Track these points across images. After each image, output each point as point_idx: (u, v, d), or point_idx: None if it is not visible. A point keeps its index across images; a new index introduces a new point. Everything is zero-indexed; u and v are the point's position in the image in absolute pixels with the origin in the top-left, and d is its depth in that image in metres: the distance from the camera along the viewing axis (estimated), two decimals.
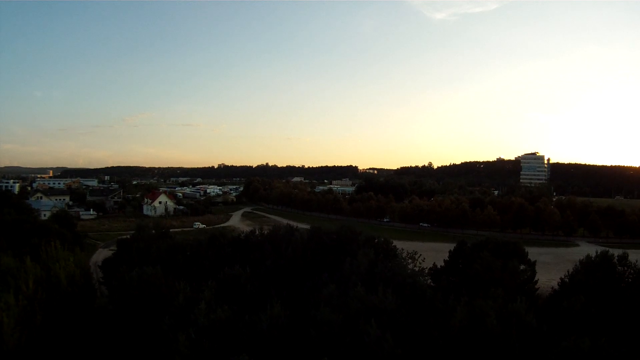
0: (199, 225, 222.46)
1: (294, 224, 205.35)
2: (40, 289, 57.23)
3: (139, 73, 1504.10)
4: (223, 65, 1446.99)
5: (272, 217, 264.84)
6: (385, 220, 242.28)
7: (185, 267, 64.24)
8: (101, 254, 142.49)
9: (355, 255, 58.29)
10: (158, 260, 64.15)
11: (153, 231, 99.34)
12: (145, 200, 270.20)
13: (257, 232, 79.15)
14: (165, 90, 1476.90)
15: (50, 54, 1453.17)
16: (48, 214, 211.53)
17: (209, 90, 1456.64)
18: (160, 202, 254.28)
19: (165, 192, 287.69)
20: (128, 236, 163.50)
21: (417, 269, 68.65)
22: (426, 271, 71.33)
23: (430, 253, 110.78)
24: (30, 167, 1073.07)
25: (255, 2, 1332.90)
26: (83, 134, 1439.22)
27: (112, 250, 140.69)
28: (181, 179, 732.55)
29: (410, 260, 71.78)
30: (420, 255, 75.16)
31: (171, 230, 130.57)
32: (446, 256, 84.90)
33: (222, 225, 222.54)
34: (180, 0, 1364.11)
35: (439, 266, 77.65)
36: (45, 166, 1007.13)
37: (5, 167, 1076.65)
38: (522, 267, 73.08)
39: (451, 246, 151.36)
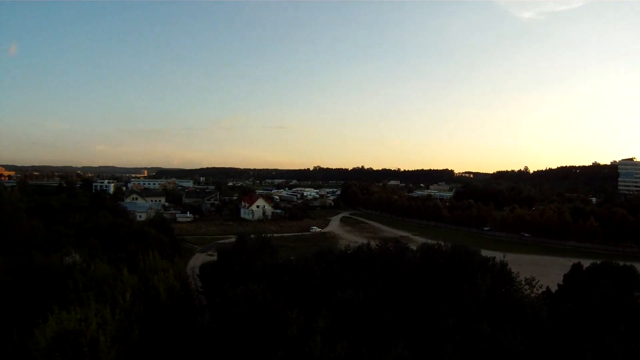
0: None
1: (395, 231, 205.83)
2: (138, 301, 55.50)
3: (232, 76, 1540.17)
4: (316, 67, 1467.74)
5: (371, 223, 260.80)
6: (485, 229, 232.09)
7: (292, 286, 59.14)
8: (199, 259, 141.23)
9: (471, 279, 52.53)
10: (263, 277, 60.90)
11: (252, 236, 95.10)
12: (243, 203, 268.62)
13: (364, 248, 72.96)
14: (258, 93, 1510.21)
15: (142, 57, 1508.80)
16: (144, 215, 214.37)
17: (302, 92, 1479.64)
18: (258, 206, 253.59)
19: (262, 196, 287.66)
20: (226, 241, 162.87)
21: (533, 295, 61.80)
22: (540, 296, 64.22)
23: (532, 267, 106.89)
24: (125, 167, 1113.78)
25: (344, 2, 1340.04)
26: (176, 135, 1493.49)
27: (209, 255, 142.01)
28: (277, 181, 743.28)
29: (527, 287, 64.62)
30: (538, 281, 67.80)
31: (271, 235, 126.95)
32: (550, 271, 78.71)
33: (321, 230, 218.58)
34: (273, 1, 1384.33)
35: (552, 290, 69.64)
36: (139, 166, 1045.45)
37: (100, 166, 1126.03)
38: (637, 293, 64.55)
39: (553, 259, 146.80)
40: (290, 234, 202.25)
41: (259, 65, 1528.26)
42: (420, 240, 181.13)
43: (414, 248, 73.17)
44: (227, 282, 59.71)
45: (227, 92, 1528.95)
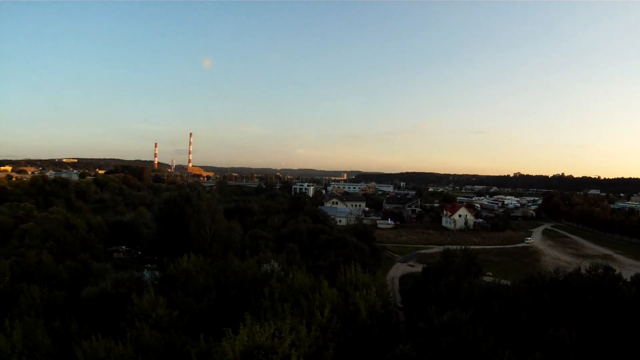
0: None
1: (597, 248, 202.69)
2: (336, 317, 53.89)
3: (430, 79, 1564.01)
4: (515, 71, 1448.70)
5: (573, 237, 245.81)
6: None
7: (501, 316, 55.49)
8: (399, 269, 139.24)
9: None
10: (470, 302, 58.72)
11: (459, 247, 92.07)
12: (445, 212, 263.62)
13: (575, 274, 68.41)
14: (457, 97, 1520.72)
15: (337, 63, 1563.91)
16: (344, 220, 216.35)
17: (501, 96, 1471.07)
18: (460, 215, 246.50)
19: (465, 205, 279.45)
20: (427, 251, 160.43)
21: None
22: None
23: None
24: (324, 169, 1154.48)
25: (542, 4, 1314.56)
26: (375, 139, 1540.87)
27: (410, 265, 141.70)
28: (477, 187, 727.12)
29: None
30: None
31: (472, 247, 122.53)
32: None
33: (522, 244, 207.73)
34: (478, 2, 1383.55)
35: None
36: (338, 169, 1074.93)
37: (300, 169, 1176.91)
38: None
39: None
40: (492, 247, 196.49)
41: (456, 69, 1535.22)
42: (623, 259, 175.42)
43: (620, 271, 71.17)
44: (432, 304, 57.27)
45: (426, 97, 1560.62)
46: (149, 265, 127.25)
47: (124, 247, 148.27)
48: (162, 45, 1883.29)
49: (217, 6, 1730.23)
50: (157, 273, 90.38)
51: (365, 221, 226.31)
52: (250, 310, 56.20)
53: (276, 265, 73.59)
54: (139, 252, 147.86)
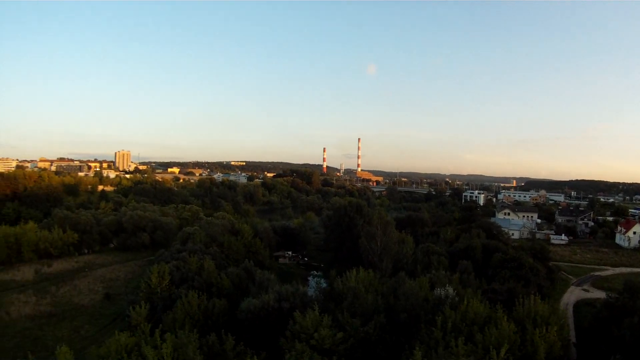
0: None
1: None
2: (511, 358, 49.36)
3: (596, 83, 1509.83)
4: None
5: None
6: None
7: None
8: (573, 294, 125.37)
9: None
10: None
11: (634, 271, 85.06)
12: (619, 228, 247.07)
13: None
14: (623, 99, 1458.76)
15: (502, 68, 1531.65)
16: (516, 234, 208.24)
17: None
18: (634, 233, 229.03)
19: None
20: (601, 274, 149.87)
21: None
22: None
23: None
24: (493, 175, 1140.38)
25: None
26: (541, 145, 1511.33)
27: (584, 290, 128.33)
28: None
29: None
30: None
31: None
32: None
33: None
34: None
35: None
36: (507, 175, 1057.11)
37: (469, 174, 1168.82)
38: None
39: None
40: None
41: (623, 71, 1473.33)
42: None
43: None
44: (613, 350, 53.33)
45: (593, 99, 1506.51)
46: (315, 272, 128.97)
47: (289, 252, 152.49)
48: (328, 52, 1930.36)
49: (379, 11, 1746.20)
50: (323, 281, 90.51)
51: (537, 235, 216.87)
52: (420, 339, 54.27)
53: (451, 290, 70.69)
54: (305, 259, 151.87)
